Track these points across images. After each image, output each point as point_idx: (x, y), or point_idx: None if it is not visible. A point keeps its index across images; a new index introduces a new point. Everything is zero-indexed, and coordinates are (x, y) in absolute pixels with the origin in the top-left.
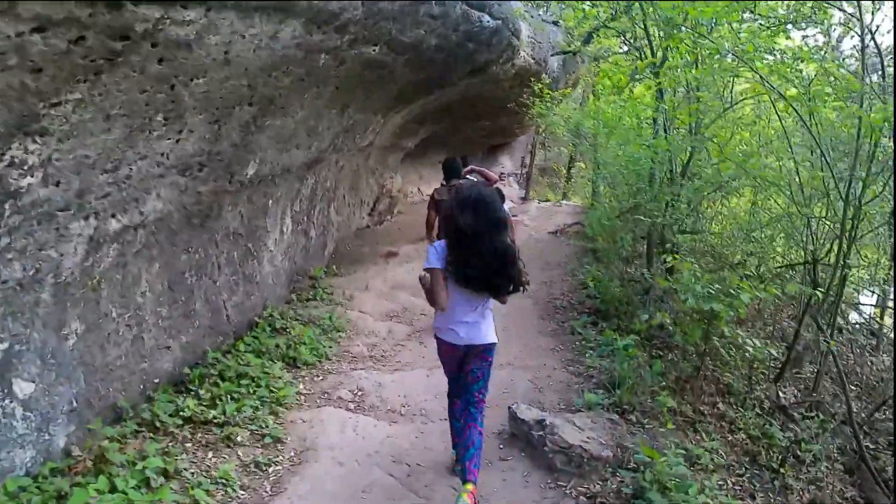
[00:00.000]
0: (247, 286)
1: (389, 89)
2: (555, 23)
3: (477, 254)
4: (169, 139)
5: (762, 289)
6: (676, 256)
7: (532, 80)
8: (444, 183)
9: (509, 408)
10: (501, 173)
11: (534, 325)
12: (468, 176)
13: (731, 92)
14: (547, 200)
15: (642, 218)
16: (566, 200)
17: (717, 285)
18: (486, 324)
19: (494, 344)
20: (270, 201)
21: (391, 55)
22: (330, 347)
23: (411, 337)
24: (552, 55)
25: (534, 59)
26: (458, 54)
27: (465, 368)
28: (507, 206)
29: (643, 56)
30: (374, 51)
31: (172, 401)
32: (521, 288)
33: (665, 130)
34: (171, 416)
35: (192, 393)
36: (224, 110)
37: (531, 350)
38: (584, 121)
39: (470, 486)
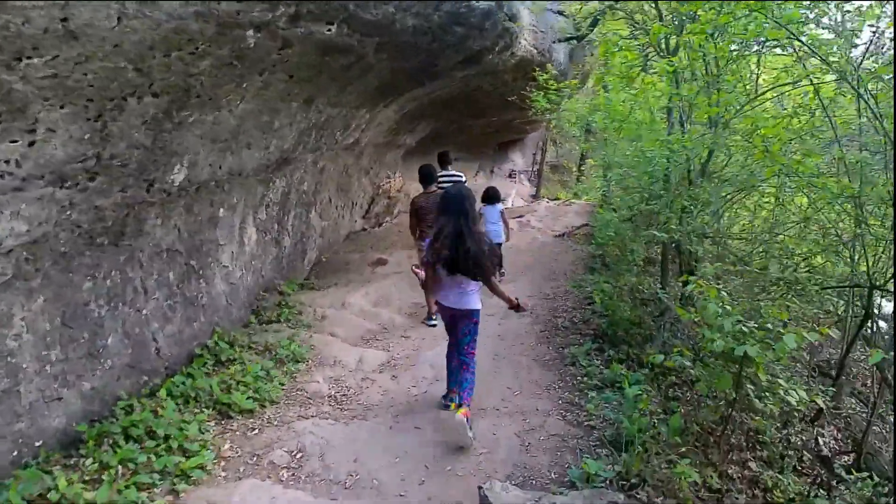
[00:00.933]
0: (188, 311)
1: (368, 80)
2: (560, 12)
3: (444, 246)
4: (15, 141)
5: (810, 327)
6: (700, 283)
7: (536, 71)
8: (423, 188)
9: (480, 488)
10: (512, 171)
11: (529, 353)
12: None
13: (756, 82)
14: (557, 199)
15: (657, 234)
16: (576, 199)
17: (751, 322)
18: (469, 296)
19: (477, 310)
20: (221, 210)
21: (355, 37)
22: (280, 385)
23: (384, 368)
24: (558, 42)
25: (536, 48)
26: (446, 40)
27: (456, 327)
28: (499, 207)
29: (658, 49)
30: (329, 31)
31: (43, 476)
32: (496, 273)
33: (682, 124)
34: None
35: (76, 463)
36: (105, 102)
37: (523, 387)
38: (591, 115)
39: (463, 409)
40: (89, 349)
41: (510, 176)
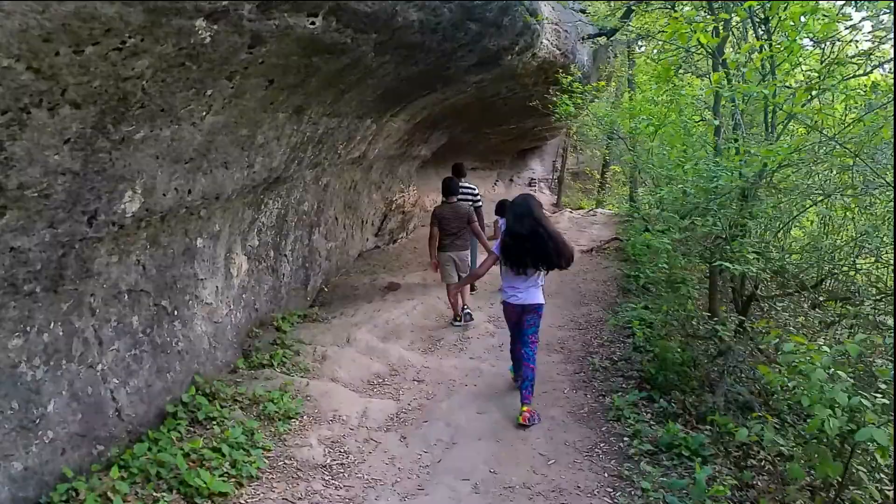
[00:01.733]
0: (158, 360)
1: (369, 86)
2: (582, 11)
3: (514, 245)
4: None
5: None
6: (777, 332)
7: (559, 74)
8: (445, 199)
9: None
10: (532, 179)
11: (563, 404)
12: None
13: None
14: (580, 208)
15: (730, 266)
16: (601, 208)
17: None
18: (537, 292)
19: (542, 304)
20: (199, 240)
21: (347, 33)
22: (264, 453)
23: (392, 424)
24: (586, 38)
25: (559, 48)
26: (458, 38)
27: (522, 320)
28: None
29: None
30: (312, 24)
31: None
32: (563, 265)
33: (736, 128)
34: None
35: None
36: None
37: (559, 452)
38: (619, 118)
39: (525, 408)
40: (21, 421)
41: (530, 184)
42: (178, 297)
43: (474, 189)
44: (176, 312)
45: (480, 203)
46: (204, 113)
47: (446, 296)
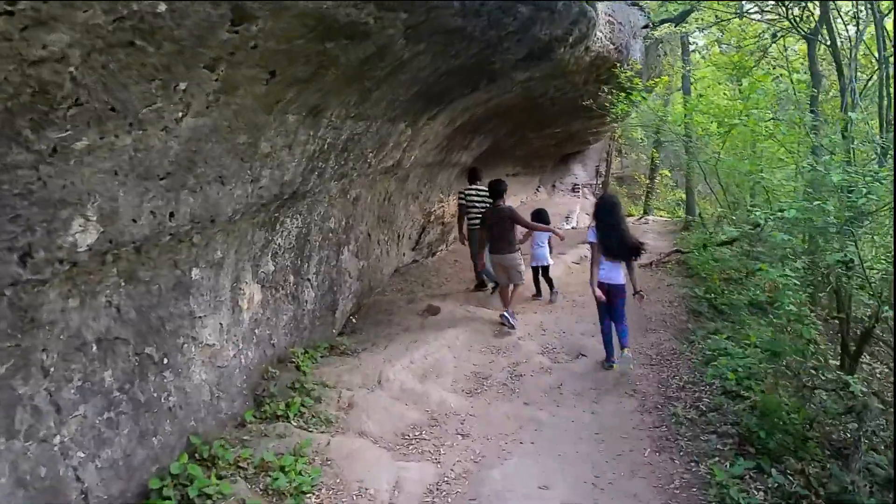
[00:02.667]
0: (142, 421)
1: (401, 82)
2: (635, 3)
3: (607, 236)
4: None
5: None
6: None
7: (614, 69)
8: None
9: None
10: (575, 185)
11: (645, 474)
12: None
13: None
14: (629, 215)
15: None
16: (650, 215)
17: None
18: (621, 274)
19: (624, 284)
20: (196, 271)
21: (369, 9)
22: None
23: (431, 500)
24: (653, 25)
25: (613, 43)
26: (505, 24)
27: (615, 297)
28: (545, 236)
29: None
30: None
31: None
32: (637, 254)
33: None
34: None
35: None
36: None
37: None
38: (676, 119)
39: (627, 350)
40: None
41: (573, 190)
42: (169, 341)
43: (486, 190)
44: (165, 361)
45: None
46: (179, 114)
47: (499, 298)
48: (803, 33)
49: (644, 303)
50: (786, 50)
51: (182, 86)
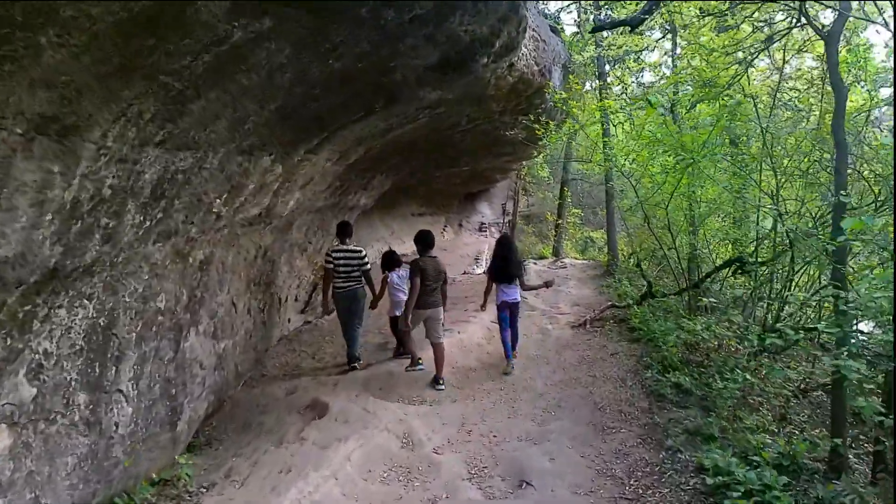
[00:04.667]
0: None
1: (245, 89)
2: (553, 29)
3: (505, 266)
4: None
5: None
6: None
7: (531, 101)
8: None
9: None
10: (482, 223)
11: None
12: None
13: None
14: (542, 257)
15: None
16: (565, 257)
17: None
18: (517, 293)
19: (520, 301)
20: None
21: None
22: None
23: None
24: (601, 27)
25: (537, 64)
26: (410, 11)
27: (515, 314)
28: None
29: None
30: None
31: None
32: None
33: None
34: None
35: None
36: None
37: None
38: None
39: (515, 353)
40: None
41: (480, 229)
42: None
43: (361, 251)
44: None
45: (368, 266)
46: None
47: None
48: (819, 29)
49: (591, 384)
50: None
51: None
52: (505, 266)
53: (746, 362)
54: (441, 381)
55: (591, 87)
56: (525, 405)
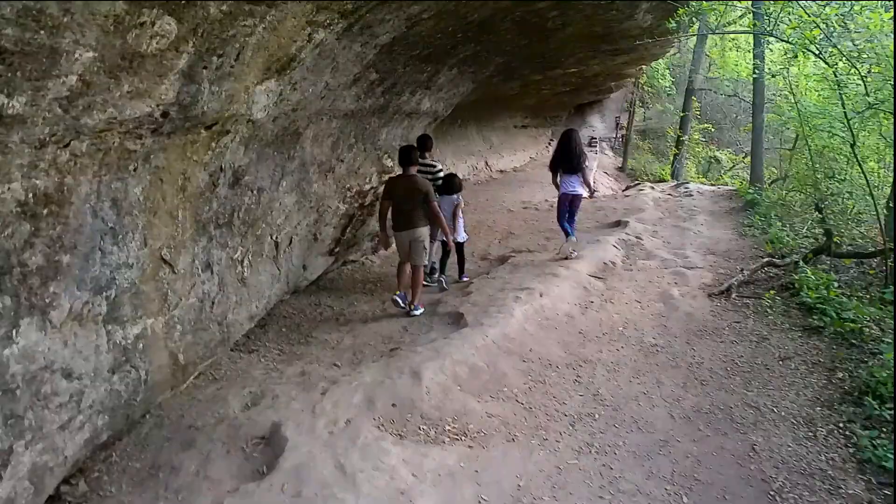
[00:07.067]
0: None
1: None
2: None
3: (560, 158)
4: None
5: None
6: None
7: None
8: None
9: None
10: (592, 138)
11: None
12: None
13: None
14: (661, 180)
15: None
16: (689, 183)
17: None
18: (577, 184)
19: (581, 194)
20: None
21: None
22: None
23: None
24: None
25: None
26: None
27: (573, 204)
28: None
29: None
30: None
31: None
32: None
33: None
34: None
35: None
36: None
37: None
38: None
39: (573, 237)
40: None
41: (590, 144)
42: None
43: (435, 166)
44: None
45: (441, 180)
46: None
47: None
48: None
49: (752, 427)
50: None
51: None
52: (565, 157)
53: None
54: (414, 307)
55: None
56: (630, 463)
